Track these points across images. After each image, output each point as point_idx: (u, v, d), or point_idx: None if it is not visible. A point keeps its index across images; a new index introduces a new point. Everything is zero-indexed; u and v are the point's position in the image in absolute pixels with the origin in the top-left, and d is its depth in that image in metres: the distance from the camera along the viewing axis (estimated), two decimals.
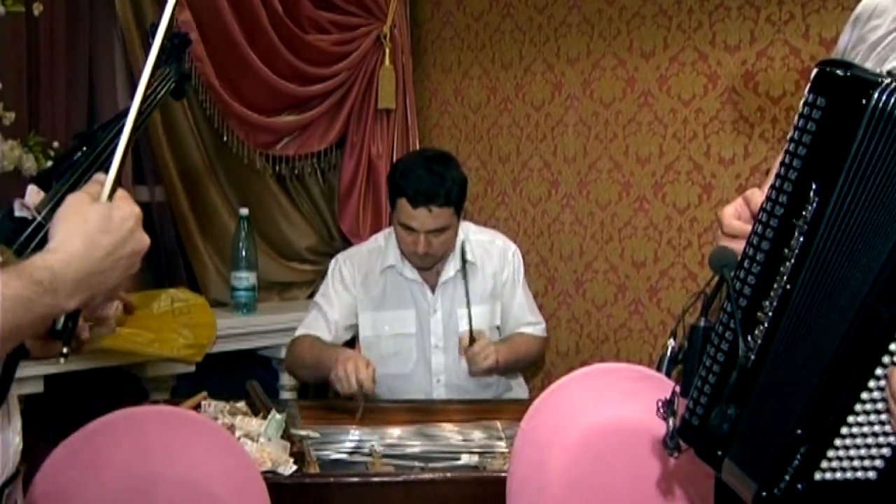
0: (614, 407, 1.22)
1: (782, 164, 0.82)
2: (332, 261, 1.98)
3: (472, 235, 1.95)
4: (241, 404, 1.57)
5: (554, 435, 1.21)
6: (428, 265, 1.86)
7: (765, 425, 0.83)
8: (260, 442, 1.37)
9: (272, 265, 2.55)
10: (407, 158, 1.88)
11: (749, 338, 0.83)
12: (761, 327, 0.83)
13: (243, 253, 2.32)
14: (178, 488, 1.08)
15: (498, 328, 1.96)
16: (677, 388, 0.93)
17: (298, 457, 1.38)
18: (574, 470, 1.20)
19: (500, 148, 2.60)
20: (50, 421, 1.86)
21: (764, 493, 0.81)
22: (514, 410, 1.60)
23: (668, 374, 1.27)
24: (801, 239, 0.79)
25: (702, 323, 1.02)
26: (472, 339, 1.74)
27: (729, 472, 0.86)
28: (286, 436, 1.44)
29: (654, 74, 2.16)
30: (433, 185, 1.73)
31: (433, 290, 1.89)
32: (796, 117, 0.80)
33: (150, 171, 2.38)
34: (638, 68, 2.20)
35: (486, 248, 1.95)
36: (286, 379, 2.45)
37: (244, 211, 2.34)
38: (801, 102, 0.80)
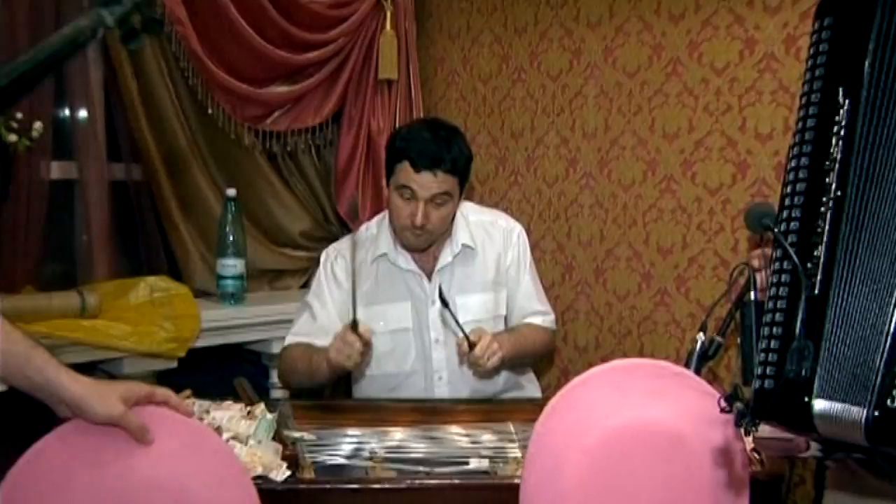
0: (638, 407, 1.22)
1: (804, 92, 0.88)
2: (323, 255, 1.96)
3: (472, 216, 1.94)
4: (229, 403, 1.57)
5: (572, 437, 1.21)
6: (423, 244, 1.84)
7: (853, 342, 0.84)
8: (249, 445, 1.38)
9: (262, 251, 2.56)
10: (409, 125, 1.87)
11: (808, 265, 0.86)
12: (819, 249, 0.86)
13: (230, 238, 2.32)
14: (158, 493, 1.08)
15: (505, 318, 1.95)
16: (737, 382, 0.94)
17: (292, 461, 1.38)
18: (594, 475, 1.20)
19: (513, 122, 2.59)
20: (14, 422, 1.87)
21: (877, 413, 0.82)
22: (528, 410, 1.61)
23: (698, 371, 1.27)
24: (841, 143, 0.84)
25: (752, 296, 1.02)
26: (472, 344, 1.71)
27: (825, 418, 0.86)
28: (278, 438, 1.44)
29: (684, 40, 2.14)
30: (439, 148, 1.73)
31: (429, 277, 1.88)
32: (809, 49, 0.86)
33: (127, 147, 2.38)
34: (666, 33, 2.18)
35: (487, 229, 1.94)
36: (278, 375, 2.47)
37: (231, 192, 2.34)
38: (810, 33, 0.87)
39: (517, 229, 1.98)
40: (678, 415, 1.16)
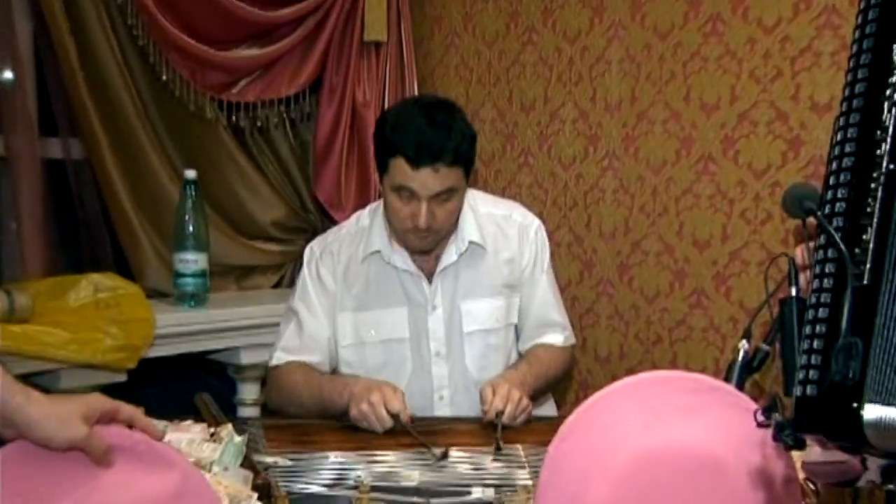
0: (670, 427, 1.22)
1: (853, 52, 0.87)
2: (307, 252, 1.96)
3: (482, 208, 1.94)
4: (189, 424, 1.58)
5: (592, 462, 1.22)
6: (429, 246, 1.85)
7: None
8: (214, 472, 1.38)
9: (228, 244, 2.56)
10: (399, 108, 1.86)
11: (856, 251, 0.86)
12: (868, 233, 0.86)
13: (190, 228, 2.32)
14: None
15: (515, 327, 1.96)
16: (778, 391, 0.95)
17: (263, 491, 1.39)
18: None
19: (523, 93, 2.59)
20: None
21: None
22: (540, 431, 1.61)
23: (741, 385, 1.28)
24: (894, 110, 0.83)
25: (793, 291, 1.02)
26: (499, 414, 1.69)
27: (878, 427, 0.85)
28: (248, 464, 1.44)
29: None
30: (438, 137, 1.72)
31: (430, 279, 1.89)
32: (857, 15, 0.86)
33: (65, 119, 2.36)
34: None
35: (500, 224, 1.94)
36: (247, 390, 2.47)
37: (190, 173, 2.33)
38: None
39: (535, 224, 1.98)
40: (717, 437, 1.15)
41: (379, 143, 1.80)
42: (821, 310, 0.88)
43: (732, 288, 2.19)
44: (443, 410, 1.90)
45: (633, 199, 2.36)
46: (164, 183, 2.43)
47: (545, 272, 1.97)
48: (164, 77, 2.35)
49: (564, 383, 2.51)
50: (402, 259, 1.87)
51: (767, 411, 0.90)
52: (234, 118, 2.49)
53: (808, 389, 0.88)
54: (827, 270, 0.87)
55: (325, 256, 1.92)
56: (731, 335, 2.20)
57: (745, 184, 2.15)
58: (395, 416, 1.65)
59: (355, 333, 1.89)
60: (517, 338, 1.98)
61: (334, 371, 1.91)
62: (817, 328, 0.88)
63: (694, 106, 2.22)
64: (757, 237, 2.15)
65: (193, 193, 2.33)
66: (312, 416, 1.81)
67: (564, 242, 2.51)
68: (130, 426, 1.15)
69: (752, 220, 2.15)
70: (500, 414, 1.69)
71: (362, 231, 1.92)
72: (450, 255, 1.88)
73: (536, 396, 1.90)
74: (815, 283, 0.88)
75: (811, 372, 0.88)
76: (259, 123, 2.56)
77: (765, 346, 1.29)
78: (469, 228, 1.89)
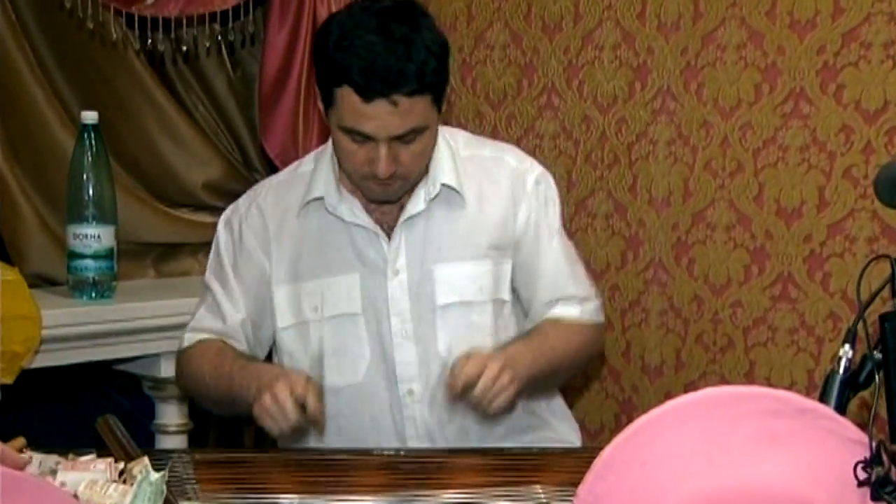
0: (743, 463, 1.22)
1: None
2: (228, 209, 2.02)
3: (465, 150, 1.97)
4: (89, 458, 1.57)
5: None
6: (394, 195, 1.87)
7: None
8: None
9: (143, 214, 2.55)
10: (346, 16, 1.85)
11: None
12: None
13: (90, 192, 2.30)
14: None
15: (508, 302, 1.96)
16: (883, 438, 0.95)
17: None
18: None
19: (546, 7, 2.58)
20: None
21: None
22: (565, 465, 1.61)
23: (841, 408, 1.27)
24: None
25: None
26: (467, 387, 1.70)
27: None
28: None
29: None
30: (397, 59, 1.73)
31: (390, 235, 1.90)
32: None
33: None
34: None
35: (488, 168, 1.96)
36: (169, 412, 2.46)
37: (89, 116, 2.31)
38: None
39: (535, 172, 1.99)
40: (806, 475, 1.16)
41: (320, 66, 1.82)
42: None
43: (832, 274, 2.20)
44: (413, 411, 1.92)
45: (696, 154, 2.36)
46: (54, 129, 2.42)
47: (556, 234, 1.98)
48: None
49: (597, 399, 2.51)
50: (350, 210, 1.89)
51: (869, 464, 0.90)
52: (149, 41, 2.46)
53: None
54: None
55: (251, 214, 1.95)
56: (830, 339, 2.20)
57: (851, 129, 2.15)
58: (302, 408, 1.64)
59: (295, 311, 1.92)
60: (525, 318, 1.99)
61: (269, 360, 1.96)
62: None
63: (781, 24, 2.22)
64: (867, 204, 2.15)
65: (94, 144, 2.31)
66: (226, 414, 1.88)
67: (601, 213, 2.51)
68: None
69: (861, 182, 2.15)
70: (469, 387, 1.69)
71: (302, 177, 1.94)
72: (416, 201, 1.90)
73: (536, 389, 1.91)
74: None
75: None
76: (184, 48, 2.54)
77: (877, 355, 1.28)
78: (443, 169, 1.90)
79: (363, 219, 1.89)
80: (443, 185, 1.89)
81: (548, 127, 2.59)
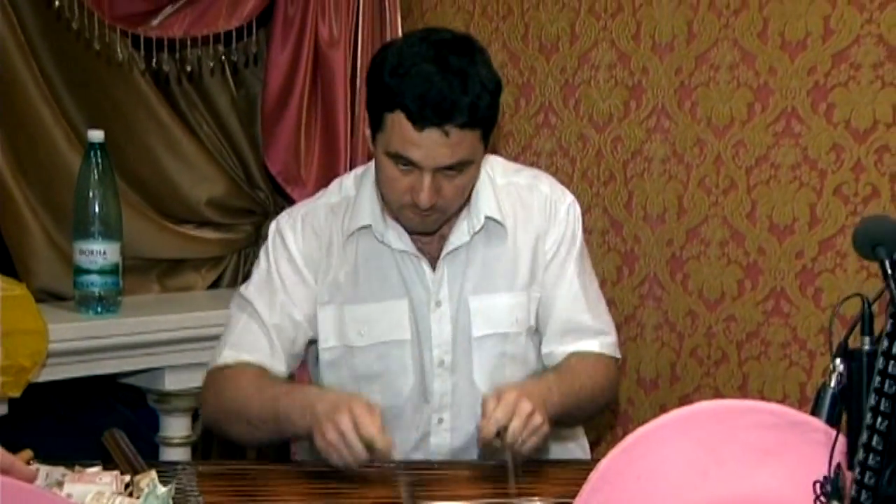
0: (736, 475, 1.22)
1: None
2: (272, 225, 1.97)
3: (501, 178, 1.95)
4: (95, 471, 1.58)
5: None
6: (431, 227, 1.86)
7: None
8: None
9: (147, 231, 2.55)
10: (403, 44, 1.85)
11: None
12: None
13: (96, 209, 2.30)
14: None
15: (535, 329, 1.95)
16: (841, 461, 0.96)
17: None
18: None
19: (544, 28, 2.58)
20: None
21: None
22: (564, 479, 1.61)
23: (832, 420, 1.28)
24: None
25: (866, 346, 1.02)
26: (499, 431, 1.64)
27: None
28: None
29: None
30: (452, 90, 1.71)
31: (433, 265, 1.90)
32: None
33: None
34: None
35: (523, 197, 1.95)
36: (174, 426, 2.46)
37: (96, 135, 2.31)
38: None
39: (567, 200, 1.98)
40: (800, 488, 1.16)
41: (373, 91, 1.79)
42: (885, 401, 0.87)
43: (822, 289, 2.19)
44: (441, 438, 1.91)
45: (690, 171, 2.36)
46: (61, 148, 2.42)
47: (575, 260, 1.96)
48: (58, 2, 2.32)
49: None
50: (397, 237, 1.87)
51: (827, 485, 0.91)
52: (154, 62, 2.46)
53: (863, 496, 0.89)
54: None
55: (298, 229, 1.92)
56: (822, 352, 2.20)
57: (841, 147, 2.15)
58: (370, 447, 1.59)
59: (340, 334, 1.90)
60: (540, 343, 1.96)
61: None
62: (880, 416, 0.87)
63: (773, 44, 2.22)
64: (857, 221, 2.13)
65: (100, 162, 2.31)
66: (262, 437, 1.80)
67: (597, 228, 2.51)
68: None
69: (852, 199, 2.15)
70: (502, 431, 1.64)
71: (347, 202, 1.92)
72: (460, 233, 1.89)
73: (565, 423, 1.89)
74: (885, 345, 0.88)
75: (867, 473, 0.88)
76: (189, 68, 2.55)
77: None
78: (485, 201, 1.89)
79: (409, 246, 1.87)
80: (486, 217, 1.87)
81: (545, 145, 2.60)
